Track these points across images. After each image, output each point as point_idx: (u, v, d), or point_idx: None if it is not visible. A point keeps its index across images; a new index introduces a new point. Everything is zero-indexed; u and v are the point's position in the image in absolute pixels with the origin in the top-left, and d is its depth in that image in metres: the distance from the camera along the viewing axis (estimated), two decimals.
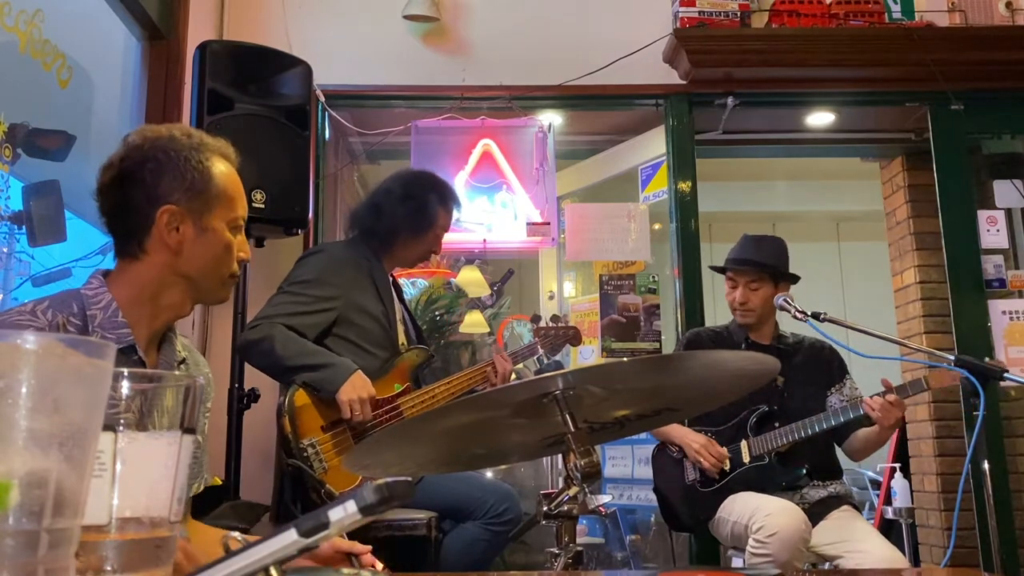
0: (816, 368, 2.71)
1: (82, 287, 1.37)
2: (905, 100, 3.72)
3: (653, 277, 3.77)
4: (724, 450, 2.63)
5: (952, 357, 1.99)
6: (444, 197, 2.63)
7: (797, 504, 2.52)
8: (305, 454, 2.25)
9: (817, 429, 2.53)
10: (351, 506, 0.55)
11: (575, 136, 4.14)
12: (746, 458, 2.62)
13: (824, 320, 2.30)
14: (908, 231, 4.31)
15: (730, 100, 3.60)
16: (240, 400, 2.89)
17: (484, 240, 3.72)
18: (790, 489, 2.58)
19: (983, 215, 3.58)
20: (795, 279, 2.78)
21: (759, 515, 2.36)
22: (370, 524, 2.14)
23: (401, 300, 2.70)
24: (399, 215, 2.57)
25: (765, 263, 2.74)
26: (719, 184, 5.23)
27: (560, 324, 2.89)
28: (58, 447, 0.47)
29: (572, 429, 1.13)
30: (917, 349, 2.48)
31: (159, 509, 0.60)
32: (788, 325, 2.76)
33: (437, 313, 5.22)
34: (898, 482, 4.16)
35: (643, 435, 3.59)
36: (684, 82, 3.62)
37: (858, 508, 2.65)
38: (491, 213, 3.75)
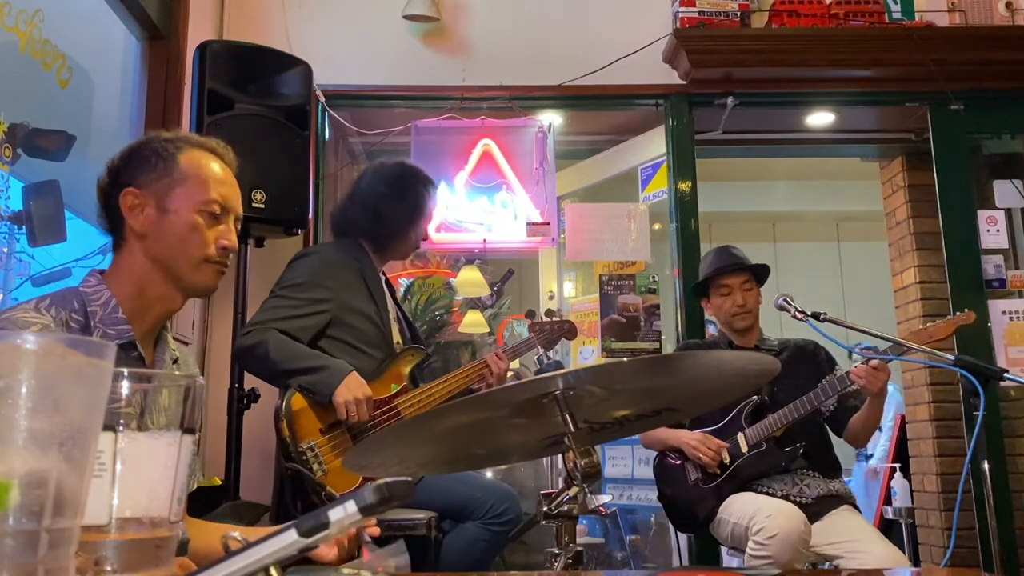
0: (804, 363, 2.73)
1: (80, 285, 1.38)
2: (905, 100, 3.72)
3: (653, 277, 3.77)
4: (720, 442, 2.65)
5: (952, 357, 1.99)
6: (427, 183, 2.67)
7: (797, 498, 2.54)
8: (304, 457, 2.25)
9: (809, 407, 2.55)
10: (351, 506, 0.55)
11: (575, 136, 4.14)
12: (744, 448, 2.64)
13: (824, 320, 2.30)
14: (908, 231, 4.31)
15: (730, 100, 3.60)
16: (240, 400, 2.89)
17: (484, 240, 3.72)
18: (790, 471, 2.60)
19: (983, 215, 3.58)
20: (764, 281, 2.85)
21: (759, 516, 2.36)
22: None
23: (395, 299, 2.70)
24: (399, 214, 2.58)
25: (753, 264, 2.78)
26: (719, 184, 5.23)
27: (555, 319, 2.89)
28: (58, 447, 0.47)
29: (572, 429, 1.13)
30: (917, 349, 2.48)
31: (159, 509, 0.60)
32: (787, 325, 2.77)
33: (437, 313, 5.23)
34: (898, 482, 4.16)
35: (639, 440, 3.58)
36: (684, 82, 3.62)
37: (858, 508, 2.65)
38: (491, 213, 3.75)
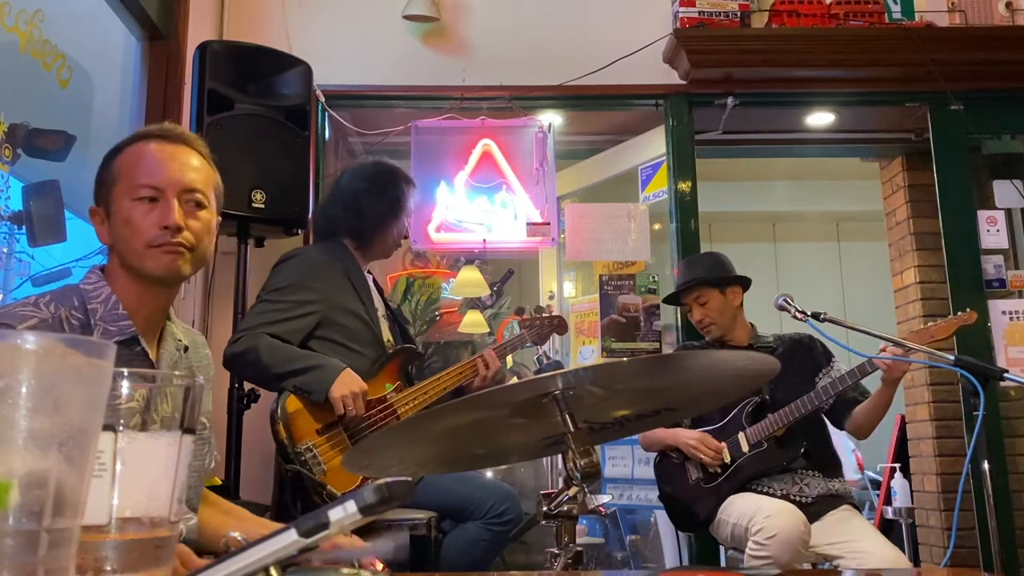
0: (800, 357, 2.74)
1: (81, 282, 1.39)
2: (905, 100, 3.72)
3: (653, 277, 3.77)
4: (719, 443, 2.65)
5: (952, 357, 1.99)
6: (407, 179, 2.67)
7: (797, 497, 2.54)
8: (303, 459, 2.25)
9: (811, 407, 2.55)
10: (351, 506, 0.55)
11: (575, 136, 4.14)
12: (745, 447, 2.64)
13: (824, 320, 2.30)
14: (908, 231, 4.31)
15: (730, 100, 3.60)
16: (240, 400, 2.89)
17: (484, 240, 3.72)
18: (790, 471, 2.60)
19: (983, 215, 3.58)
20: (742, 280, 2.84)
21: (759, 517, 2.37)
22: (370, 524, 2.14)
23: (383, 298, 2.70)
24: (381, 211, 2.58)
25: (699, 276, 2.81)
26: (719, 184, 5.23)
27: (545, 314, 2.91)
28: (58, 447, 0.47)
29: (572, 429, 1.13)
30: (917, 349, 2.48)
31: (159, 509, 0.60)
32: (787, 325, 2.77)
33: (438, 313, 5.23)
34: (898, 482, 4.16)
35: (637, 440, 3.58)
36: (684, 82, 3.62)
37: (858, 508, 2.65)
38: (491, 213, 3.75)
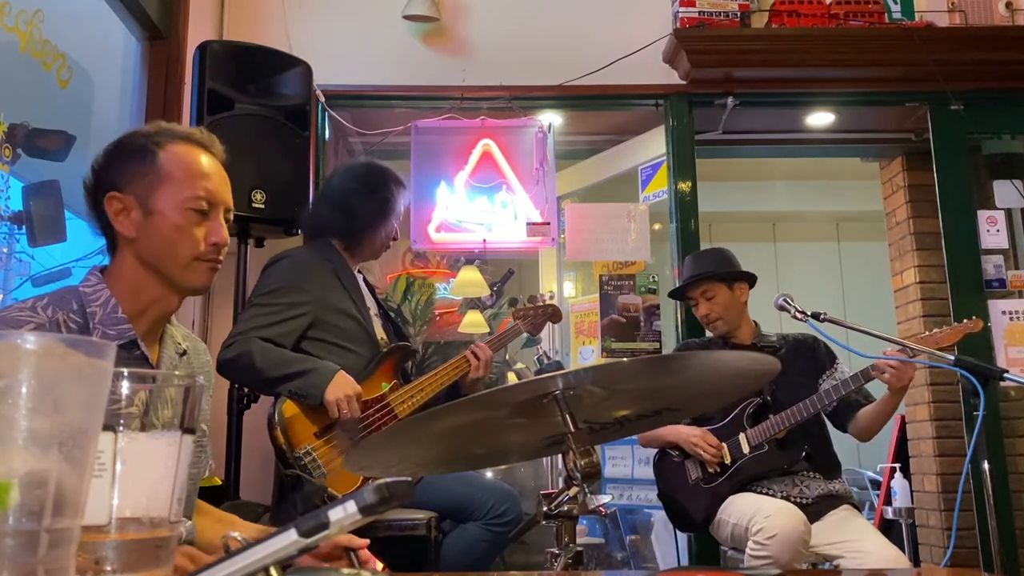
0: (804, 359, 2.74)
1: (80, 284, 1.37)
2: (905, 100, 3.73)
3: (653, 277, 3.77)
4: (720, 441, 2.65)
5: (952, 357, 1.99)
6: (397, 180, 2.65)
7: (797, 499, 2.54)
8: (302, 463, 2.24)
9: (812, 411, 2.55)
10: (351, 506, 0.55)
11: (575, 136, 4.14)
12: (746, 449, 2.64)
13: (824, 320, 2.30)
14: (908, 231, 4.31)
15: (730, 100, 3.60)
16: (240, 400, 2.89)
17: (484, 240, 3.72)
18: (791, 473, 2.60)
19: (983, 215, 3.58)
20: (749, 276, 2.83)
21: (759, 517, 2.36)
22: (370, 524, 2.14)
23: (375, 297, 2.69)
24: (371, 211, 2.56)
25: (706, 270, 2.80)
26: (719, 184, 5.23)
27: (538, 304, 2.90)
28: (58, 447, 0.47)
29: (572, 429, 1.13)
30: (918, 349, 2.48)
31: (159, 509, 0.60)
32: (787, 326, 2.77)
33: (437, 314, 5.23)
34: (898, 482, 4.16)
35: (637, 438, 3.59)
36: (684, 82, 3.62)
37: (858, 508, 2.65)
38: (491, 213, 3.75)
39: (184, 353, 1.46)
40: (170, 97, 3.03)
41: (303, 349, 2.40)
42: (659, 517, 4.04)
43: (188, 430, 0.63)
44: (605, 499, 1.26)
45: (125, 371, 0.60)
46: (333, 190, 2.65)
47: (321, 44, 3.54)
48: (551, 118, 3.85)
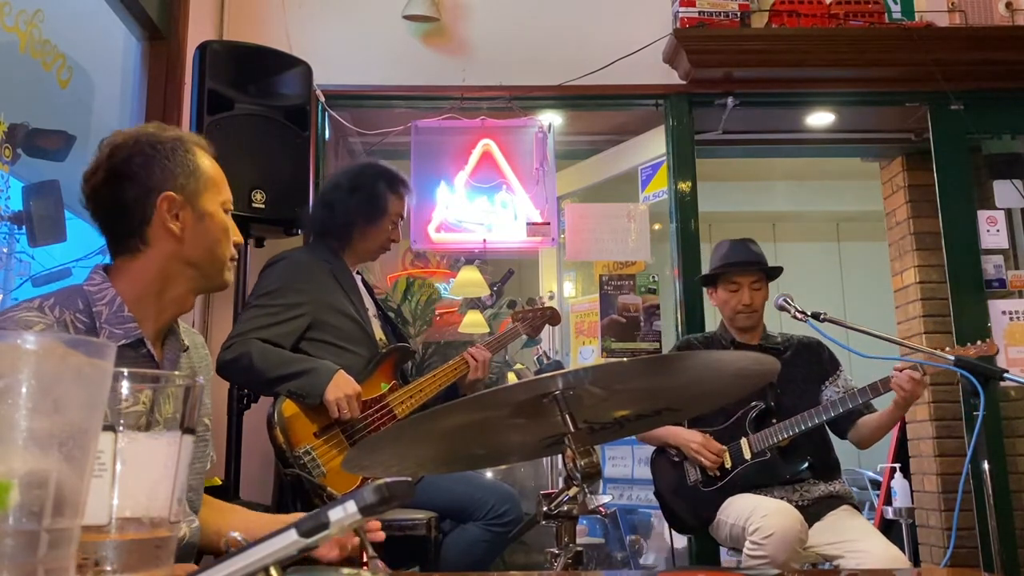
0: (808, 363, 2.72)
1: (84, 283, 1.37)
2: (905, 100, 3.72)
3: (653, 277, 3.77)
4: (722, 446, 2.63)
5: (952, 357, 1.99)
6: (392, 183, 2.61)
7: (797, 501, 2.53)
8: (301, 462, 2.24)
9: (817, 421, 2.54)
10: (351, 506, 0.55)
11: (575, 136, 4.14)
12: (747, 455, 2.62)
13: (824, 320, 2.30)
14: (908, 231, 4.31)
15: (730, 100, 3.60)
16: (240, 400, 2.89)
17: (484, 240, 3.72)
18: (792, 483, 2.59)
19: (983, 215, 3.58)
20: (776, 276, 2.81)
21: (755, 516, 2.36)
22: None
23: (373, 298, 2.69)
24: (351, 207, 2.54)
25: (767, 264, 2.76)
26: (719, 184, 5.23)
27: (537, 306, 2.91)
28: (58, 447, 0.47)
29: (572, 429, 1.13)
30: (917, 349, 2.48)
31: (159, 509, 0.60)
32: (787, 326, 2.76)
33: (438, 314, 5.23)
34: (898, 482, 4.16)
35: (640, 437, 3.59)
36: (684, 82, 3.62)
37: (858, 508, 2.65)
38: (491, 213, 3.75)
39: (186, 349, 1.47)
40: (170, 97, 3.03)
41: (302, 350, 2.41)
42: (659, 516, 4.04)
43: (188, 430, 0.63)
44: (605, 499, 1.26)
45: (126, 371, 0.60)
46: (324, 189, 2.68)
47: (321, 44, 3.54)
48: (551, 118, 3.85)
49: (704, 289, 2.92)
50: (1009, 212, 3.67)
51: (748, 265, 2.74)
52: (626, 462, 4.39)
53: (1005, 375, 1.91)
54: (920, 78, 3.54)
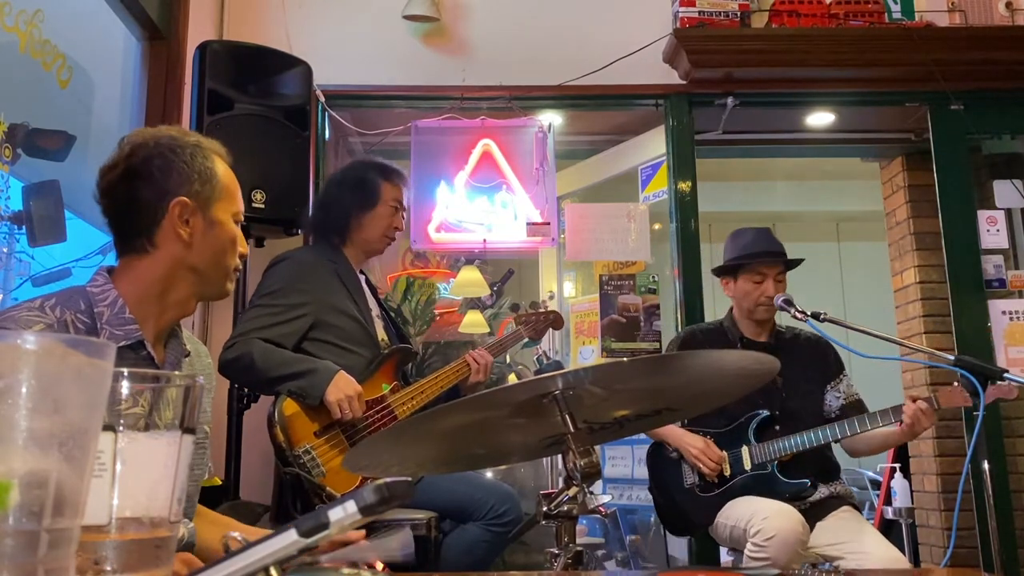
0: (814, 363, 2.69)
1: (87, 284, 1.37)
2: (905, 100, 3.72)
3: (653, 277, 3.77)
4: (723, 453, 2.60)
5: (952, 357, 1.98)
6: (383, 170, 2.61)
7: (797, 503, 2.52)
8: (301, 461, 2.24)
9: (822, 440, 2.50)
10: (351, 506, 0.55)
11: (575, 136, 4.14)
12: (748, 465, 2.58)
13: (824, 320, 2.29)
14: (908, 231, 4.31)
15: (730, 100, 3.60)
16: (240, 400, 2.89)
17: (484, 240, 3.72)
18: (793, 499, 2.54)
19: (983, 215, 3.58)
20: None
21: (756, 518, 2.35)
22: (370, 524, 2.14)
23: (376, 298, 2.69)
24: (344, 198, 2.55)
25: (793, 259, 2.68)
26: (719, 184, 5.23)
27: (540, 310, 2.91)
28: (58, 447, 0.47)
29: (572, 429, 1.13)
30: (917, 349, 2.48)
31: (159, 509, 0.60)
32: (786, 322, 2.76)
33: (438, 314, 5.23)
34: (898, 482, 4.16)
35: (643, 435, 3.59)
36: (684, 82, 3.62)
37: (858, 508, 2.64)
38: (491, 213, 3.75)
39: (187, 355, 1.47)
40: (170, 97, 3.03)
41: (304, 350, 2.40)
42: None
43: (188, 430, 0.63)
44: (605, 499, 1.26)
45: (126, 371, 0.60)
46: (320, 191, 2.70)
47: (321, 44, 3.54)
48: (551, 118, 3.85)
49: (718, 279, 2.78)
50: (1009, 212, 3.67)
51: (777, 256, 2.64)
52: (626, 462, 4.39)
53: (1005, 375, 1.91)
54: (920, 78, 3.54)
